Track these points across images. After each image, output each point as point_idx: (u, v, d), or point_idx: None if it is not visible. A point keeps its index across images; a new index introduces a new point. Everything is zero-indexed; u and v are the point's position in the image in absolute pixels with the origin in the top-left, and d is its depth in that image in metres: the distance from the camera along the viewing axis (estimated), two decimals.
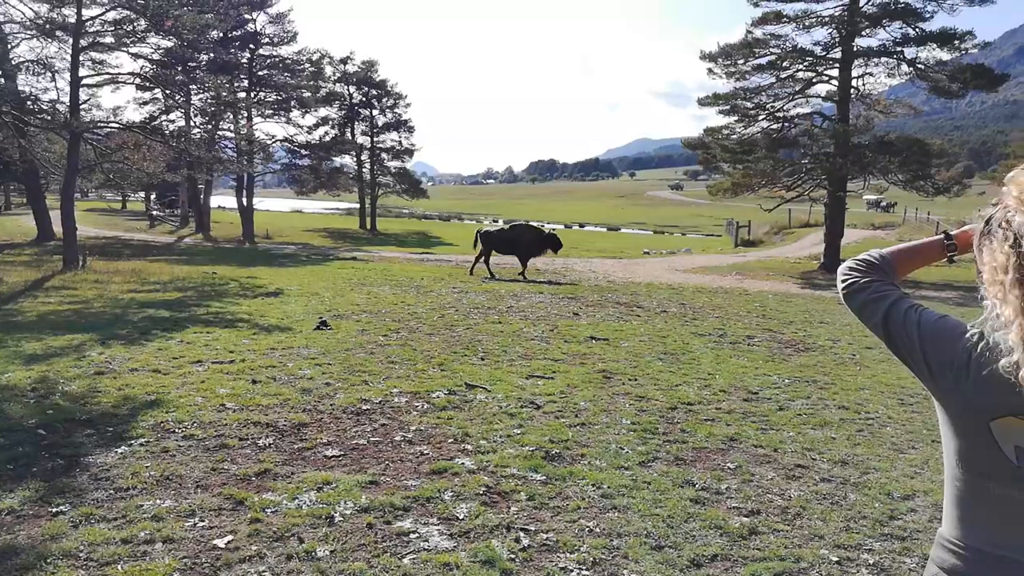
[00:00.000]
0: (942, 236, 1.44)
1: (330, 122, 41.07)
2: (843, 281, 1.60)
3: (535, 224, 21.82)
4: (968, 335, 1.37)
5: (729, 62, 24.01)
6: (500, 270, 17.82)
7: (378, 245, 31.93)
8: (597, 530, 3.81)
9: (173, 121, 30.92)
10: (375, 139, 43.79)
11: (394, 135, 44.21)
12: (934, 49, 22.31)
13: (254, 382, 6.48)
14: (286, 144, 34.94)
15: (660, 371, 7.56)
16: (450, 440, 5.16)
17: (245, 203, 32.27)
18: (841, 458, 5.09)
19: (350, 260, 20.95)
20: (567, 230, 60.02)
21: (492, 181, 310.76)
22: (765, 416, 6.06)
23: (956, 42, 21.70)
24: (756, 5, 23.56)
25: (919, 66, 22.40)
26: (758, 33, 23.48)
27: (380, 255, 24.12)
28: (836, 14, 22.70)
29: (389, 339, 8.70)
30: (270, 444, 4.97)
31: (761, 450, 5.20)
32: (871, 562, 3.60)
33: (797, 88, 24.26)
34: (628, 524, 3.88)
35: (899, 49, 22.48)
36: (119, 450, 4.74)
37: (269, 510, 3.91)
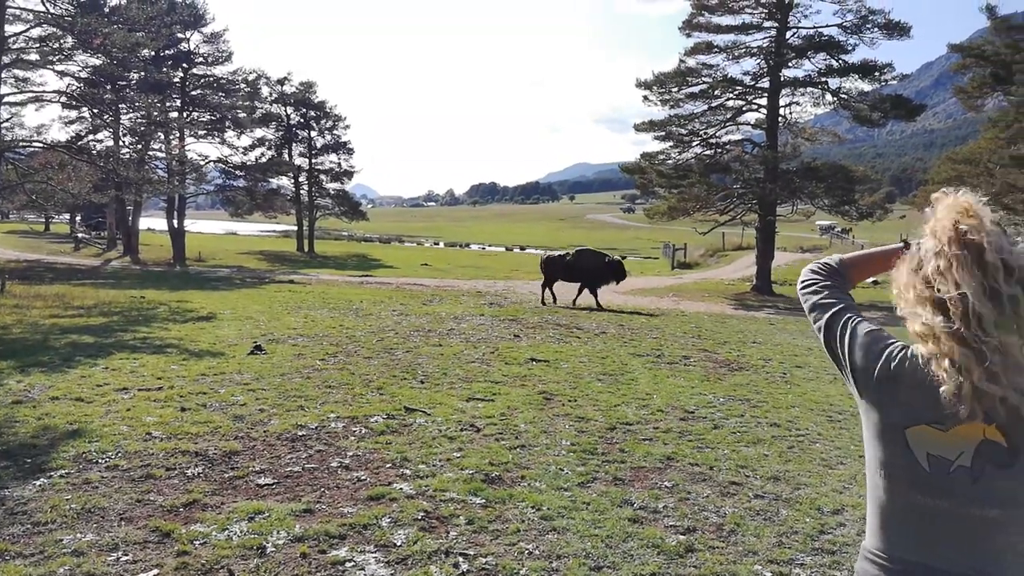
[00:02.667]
0: (901, 244, 1.50)
1: (266, 143, 40.45)
2: (802, 281, 1.69)
3: (600, 250, 20.42)
4: (892, 347, 1.43)
5: (664, 90, 24.70)
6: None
7: (316, 268, 31.42)
8: (536, 552, 3.79)
9: (101, 141, 29.93)
10: (313, 160, 43.31)
11: (333, 157, 43.85)
12: (856, 80, 23.47)
13: (183, 409, 6.25)
14: (220, 165, 34.20)
15: (599, 392, 7.62)
16: (388, 465, 5.07)
17: (176, 225, 31.37)
18: (773, 474, 5.21)
19: (287, 283, 20.54)
20: (508, 253, 60.31)
21: (433, 204, 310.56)
22: (701, 435, 6.16)
23: (876, 73, 22.87)
24: (688, 35, 24.38)
25: (842, 96, 23.50)
26: (691, 62, 24.28)
27: (318, 278, 23.73)
28: (764, 45, 23.67)
29: (326, 363, 8.54)
30: (199, 473, 4.79)
31: (697, 468, 5.28)
32: None
33: (728, 116, 25.10)
34: (567, 545, 3.87)
35: (823, 80, 23.56)
36: (38, 482, 4.49)
37: (197, 542, 3.76)
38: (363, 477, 4.83)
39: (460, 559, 3.68)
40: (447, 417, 6.31)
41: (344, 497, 4.48)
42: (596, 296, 17.03)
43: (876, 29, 22.51)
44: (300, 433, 5.73)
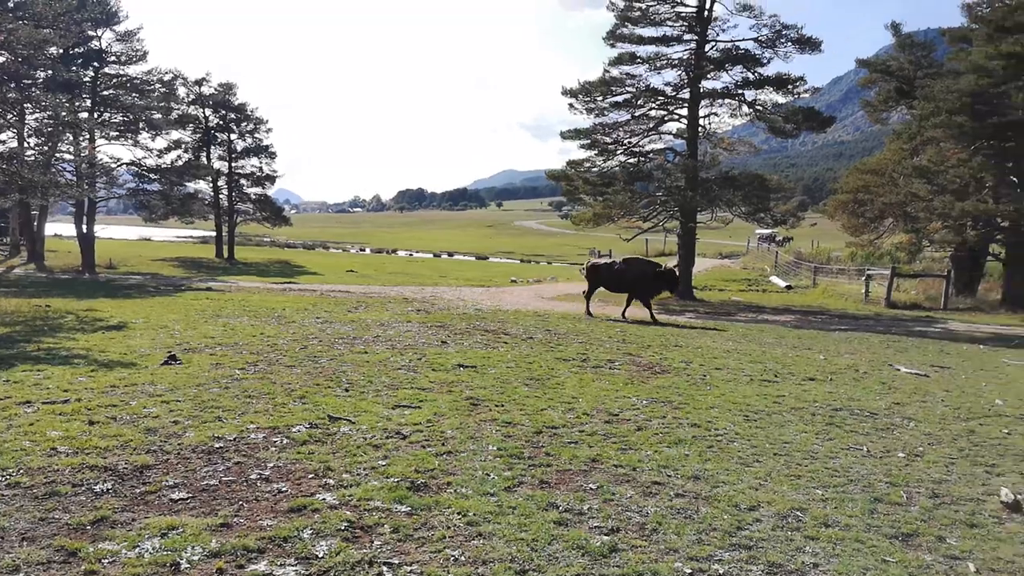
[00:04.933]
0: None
1: (183, 146, 39.01)
2: None
3: (650, 258, 19.91)
4: None
5: (589, 99, 25.11)
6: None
7: (236, 275, 30.52)
8: (462, 559, 3.77)
9: (3, 142, 28.26)
10: (233, 164, 42.05)
11: (254, 160, 42.66)
12: (771, 92, 24.42)
13: (91, 423, 5.95)
14: (133, 168, 32.78)
15: (526, 396, 7.66)
16: (310, 475, 4.96)
17: (86, 231, 29.89)
18: (694, 473, 5.34)
19: (204, 291, 19.86)
20: (436, 259, 60.05)
21: (360, 209, 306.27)
22: (625, 436, 6.27)
23: (790, 87, 23.86)
24: (613, 46, 24.86)
25: (758, 108, 24.40)
26: (615, 72, 24.76)
27: (238, 285, 23.04)
28: (684, 57, 24.36)
29: (246, 372, 8.29)
30: (108, 489, 4.57)
31: (621, 470, 5.37)
32: (721, 572, 3.79)
33: (651, 125, 25.71)
34: (493, 550, 3.87)
35: (740, 92, 24.41)
36: None
37: (106, 561, 3.59)
38: (284, 489, 4.71)
39: (384, 569, 3.63)
40: (372, 425, 6.22)
41: (263, 510, 4.36)
42: (649, 308, 16.61)
43: (789, 44, 23.48)
44: (217, 445, 5.54)
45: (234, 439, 5.70)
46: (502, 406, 7.17)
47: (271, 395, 7.20)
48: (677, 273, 16.85)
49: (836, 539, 4.26)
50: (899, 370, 10.77)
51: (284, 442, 5.68)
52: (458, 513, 4.35)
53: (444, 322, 13.90)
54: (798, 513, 4.65)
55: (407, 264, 46.30)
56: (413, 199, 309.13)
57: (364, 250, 72.54)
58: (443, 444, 5.77)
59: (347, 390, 7.60)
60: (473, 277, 33.64)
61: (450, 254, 69.63)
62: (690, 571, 3.77)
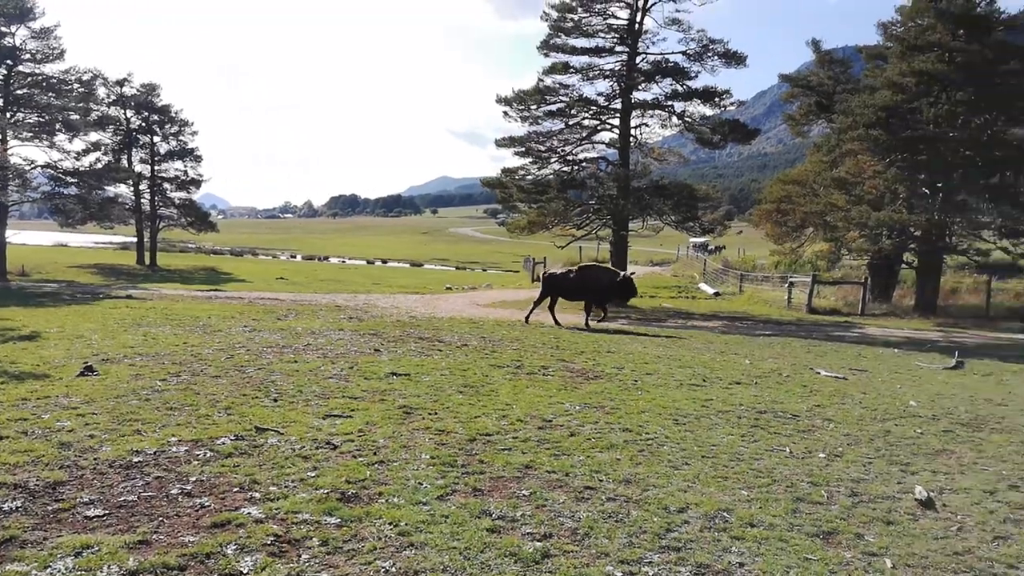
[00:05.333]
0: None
1: (103, 148, 37.41)
2: None
3: (607, 265, 19.88)
4: None
5: (523, 107, 25.30)
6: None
7: (158, 282, 29.44)
8: (393, 570, 3.72)
9: None
10: (156, 168, 40.62)
11: (178, 164, 41.31)
12: (699, 105, 25.12)
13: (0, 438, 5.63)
14: (49, 171, 31.26)
15: (460, 404, 7.62)
16: (236, 489, 4.80)
17: None
18: (625, 478, 5.41)
19: (124, 299, 19.08)
20: (370, 266, 59.29)
21: (291, 215, 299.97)
22: (558, 442, 6.31)
23: (717, 99, 24.60)
24: (546, 55, 25.15)
25: (687, 119, 25.06)
26: (548, 81, 25.03)
27: (160, 293, 22.22)
28: (616, 68, 24.83)
29: (168, 384, 7.98)
30: (17, 507, 4.32)
31: (554, 475, 5.39)
32: (651, 574, 3.84)
33: (584, 134, 26.07)
34: (425, 560, 3.83)
35: (670, 103, 25.02)
36: None
37: None
38: (207, 503, 4.54)
39: None
40: (302, 435, 6.08)
41: (185, 525, 4.19)
42: (605, 312, 16.73)
43: (716, 58, 24.22)
44: (136, 459, 5.31)
45: (154, 453, 5.48)
46: (436, 414, 7.11)
47: (194, 407, 6.95)
48: (634, 284, 17.11)
49: (761, 538, 4.38)
50: (819, 373, 11.18)
51: (208, 455, 5.49)
52: (390, 523, 4.29)
53: (377, 330, 13.73)
54: (725, 514, 4.76)
55: (340, 271, 45.55)
56: (346, 205, 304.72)
57: (295, 257, 71.05)
58: (375, 454, 5.68)
59: (276, 400, 7.41)
60: (407, 284, 33.36)
61: (384, 261, 68.88)
62: (621, 574, 3.81)
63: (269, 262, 57.13)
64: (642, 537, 4.30)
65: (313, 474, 5.12)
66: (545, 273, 17.33)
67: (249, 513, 4.38)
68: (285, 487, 4.85)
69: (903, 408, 8.67)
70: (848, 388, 10.00)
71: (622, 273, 17.59)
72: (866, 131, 23.86)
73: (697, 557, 4.06)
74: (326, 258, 70.28)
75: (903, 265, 26.71)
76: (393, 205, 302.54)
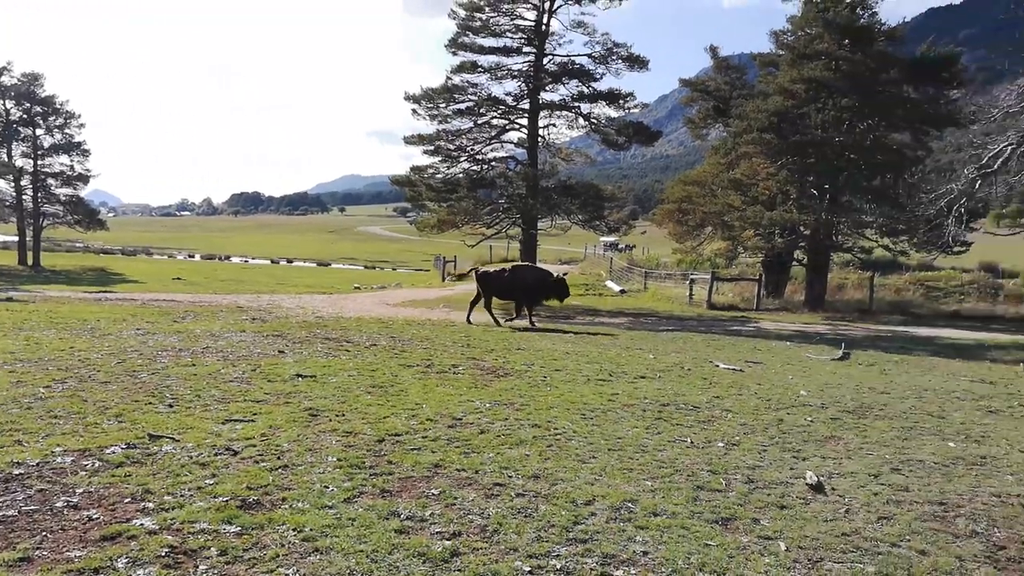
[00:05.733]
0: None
1: None
2: None
3: (541, 265, 19.93)
4: None
5: (432, 105, 25.17)
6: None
7: (43, 283, 27.57)
8: None
9: None
10: (39, 162, 38.07)
11: (64, 158, 38.89)
12: (604, 107, 25.70)
13: None
14: None
15: (368, 405, 7.49)
16: (127, 500, 4.55)
17: None
18: (534, 473, 5.46)
19: (4, 301, 17.75)
20: (274, 266, 57.55)
21: (188, 213, 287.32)
22: (468, 440, 6.30)
23: (621, 101, 25.23)
24: (455, 54, 25.12)
25: (593, 120, 25.59)
26: (457, 80, 25.00)
27: (44, 295, 20.82)
28: (524, 69, 25.06)
29: (52, 391, 7.48)
30: None
31: (464, 473, 5.38)
32: (559, 567, 3.89)
33: (493, 134, 26.20)
34: (331, 564, 3.74)
35: (576, 104, 25.48)
36: None
37: None
38: (96, 516, 4.28)
39: None
40: (199, 442, 5.82)
41: (72, 540, 3.94)
42: (531, 313, 16.86)
43: (620, 61, 24.84)
44: (16, 472, 4.95)
45: (37, 464, 5.12)
46: (343, 415, 6.97)
47: (81, 414, 6.54)
48: (567, 284, 17.34)
49: (664, 527, 4.51)
50: (718, 366, 11.64)
51: (96, 465, 5.18)
52: (293, 529, 4.17)
53: (282, 331, 13.33)
54: (630, 504, 4.88)
55: (242, 271, 43.99)
56: (249, 203, 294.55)
57: (193, 256, 68.15)
58: (278, 458, 5.51)
59: (171, 406, 7.06)
60: (314, 284, 32.57)
61: (289, 261, 67.01)
62: (529, 569, 3.84)
63: (165, 262, 54.54)
64: (550, 531, 4.35)
65: (211, 481, 4.92)
66: (479, 272, 17.37)
67: (142, 524, 4.16)
68: (181, 496, 4.64)
69: (795, 398, 9.13)
70: (745, 380, 10.44)
71: (555, 273, 17.89)
72: (760, 135, 25.04)
73: (603, 548, 4.15)
74: (227, 257, 67.75)
75: (794, 263, 28.18)
76: (299, 203, 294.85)
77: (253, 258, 67.92)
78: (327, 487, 4.90)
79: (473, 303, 17.39)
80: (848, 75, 24.46)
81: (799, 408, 8.50)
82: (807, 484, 5.53)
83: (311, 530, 4.16)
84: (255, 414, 6.84)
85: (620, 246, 57.32)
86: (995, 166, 14.91)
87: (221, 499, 4.58)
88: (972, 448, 6.97)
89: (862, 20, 25.19)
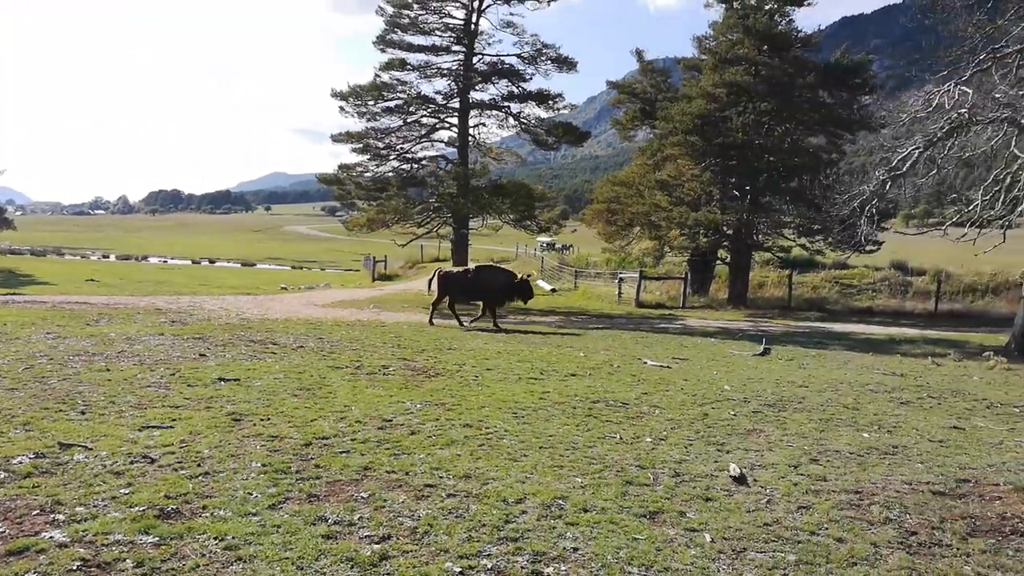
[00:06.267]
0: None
1: None
2: None
3: (503, 266, 20.10)
4: None
5: (360, 102, 24.80)
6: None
7: None
8: None
9: None
10: None
11: None
12: (534, 107, 25.87)
13: None
14: None
15: (295, 408, 7.31)
16: (35, 512, 4.30)
17: None
18: (465, 473, 5.44)
19: None
20: (196, 266, 55.65)
21: (102, 212, 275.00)
22: (398, 442, 6.22)
23: (551, 102, 25.44)
24: (383, 51, 24.82)
25: (523, 120, 25.72)
26: (385, 77, 24.72)
27: None
28: (454, 68, 24.98)
29: None
30: None
31: (394, 475, 5.31)
32: (489, 566, 3.88)
33: (423, 132, 26.02)
34: (255, 573, 3.63)
35: (506, 104, 25.57)
36: None
37: None
38: (1, 529, 4.04)
39: None
40: (114, 450, 5.56)
41: None
42: (495, 316, 16.93)
43: (549, 62, 25.04)
44: None
45: None
46: (268, 419, 6.78)
47: None
48: (531, 286, 17.58)
49: (594, 523, 4.56)
50: (646, 363, 11.87)
51: (1, 476, 4.88)
52: (215, 538, 4.02)
53: (203, 333, 12.88)
54: (560, 501, 4.91)
55: (161, 272, 42.35)
56: (167, 201, 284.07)
57: (108, 257, 65.22)
58: (199, 465, 5.31)
59: (83, 413, 6.72)
60: (238, 285, 31.62)
61: (212, 261, 64.90)
62: (460, 570, 3.82)
63: (77, 263, 51.98)
64: (481, 530, 4.34)
65: (127, 491, 4.70)
66: (441, 272, 17.29)
67: (52, 537, 3.94)
68: (94, 507, 4.42)
69: (719, 392, 9.39)
70: (672, 376, 10.68)
71: (519, 275, 18.01)
72: (684, 137, 25.69)
73: (534, 546, 4.16)
74: (145, 258, 65.13)
75: (718, 261, 29.02)
76: (222, 202, 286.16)
77: (173, 258, 65.48)
78: (251, 494, 4.75)
79: (435, 305, 17.25)
80: (767, 80, 25.36)
81: (723, 403, 8.74)
82: (731, 476, 5.69)
83: (234, 538, 4.02)
84: (174, 420, 6.58)
85: (558, 245, 57.66)
86: (903, 169, 15.70)
87: (137, 509, 4.39)
88: (885, 438, 7.31)
89: (780, 27, 26.16)
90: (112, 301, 18.56)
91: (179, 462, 5.36)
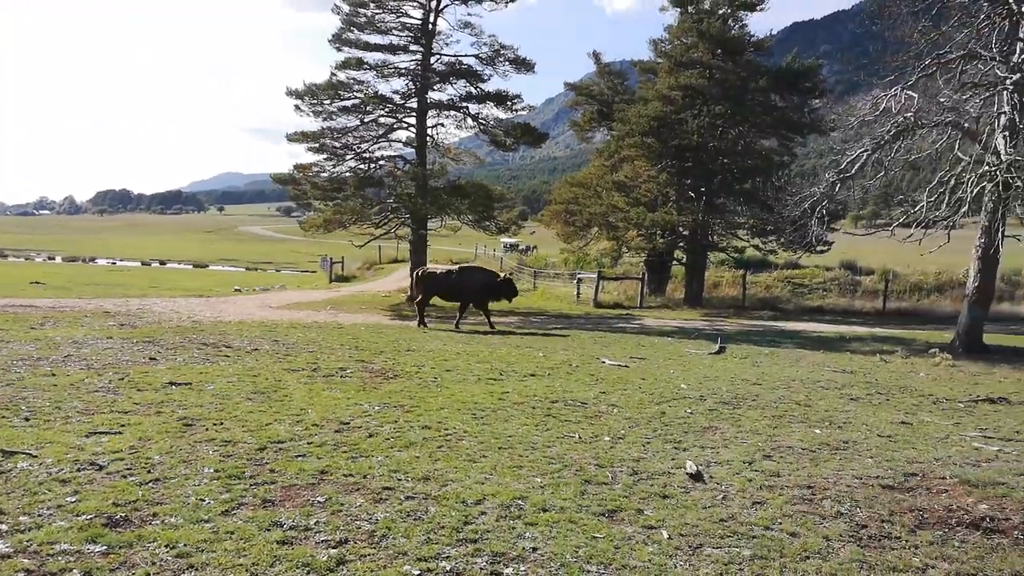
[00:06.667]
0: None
1: None
2: None
3: (486, 267, 20.17)
4: None
5: (316, 101, 24.43)
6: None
7: None
8: None
9: None
10: None
11: None
12: (492, 108, 25.79)
13: None
14: None
15: (249, 412, 7.18)
16: None
17: None
18: (424, 474, 5.40)
19: None
20: (146, 268, 54.32)
21: (48, 212, 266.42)
22: (356, 444, 6.15)
23: (509, 103, 25.41)
24: (339, 50, 24.50)
25: (481, 121, 25.65)
26: (342, 76, 24.40)
27: None
28: (411, 68, 24.79)
29: None
30: None
31: (351, 478, 5.25)
32: (448, 568, 3.86)
33: (381, 132, 25.74)
34: None
35: (465, 105, 25.45)
36: None
37: None
38: None
39: None
40: (60, 457, 5.39)
41: None
42: (488, 315, 16.98)
43: (507, 63, 25.01)
44: None
45: None
46: (221, 424, 6.64)
47: None
48: (514, 284, 17.64)
49: (553, 522, 4.57)
50: (604, 363, 11.96)
51: None
52: (166, 546, 3.92)
53: (153, 337, 12.57)
54: (520, 502, 4.91)
55: (109, 274, 41.18)
56: (116, 201, 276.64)
57: (54, 258, 63.24)
58: (149, 471, 5.17)
59: (27, 419, 6.50)
60: (191, 287, 30.92)
61: (163, 262, 63.42)
62: (418, 572, 3.79)
63: (21, 265, 50.28)
64: (440, 532, 4.31)
65: (74, 499, 4.56)
66: (423, 273, 17.32)
67: None
68: (39, 516, 4.27)
69: (676, 391, 9.51)
70: (629, 375, 10.78)
71: (502, 274, 18.22)
72: (641, 139, 25.97)
73: (493, 546, 4.15)
74: (93, 259, 63.31)
75: (674, 262, 29.39)
76: (173, 201, 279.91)
77: (122, 260, 63.77)
78: (203, 500, 4.65)
79: (420, 306, 17.32)
80: (721, 83, 25.80)
81: (680, 401, 8.85)
82: (687, 473, 5.76)
83: (185, 546, 3.93)
84: (123, 426, 6.40)
85: (522, 247, 57.58)
86: (852, 171, 16.10)
87: (85, 517, 4.26)
88: (836, 434, 7.49)
89: (733, 31, 26.63)
90: (58, 304, 17.98)
91: (128, 469, 5.22)
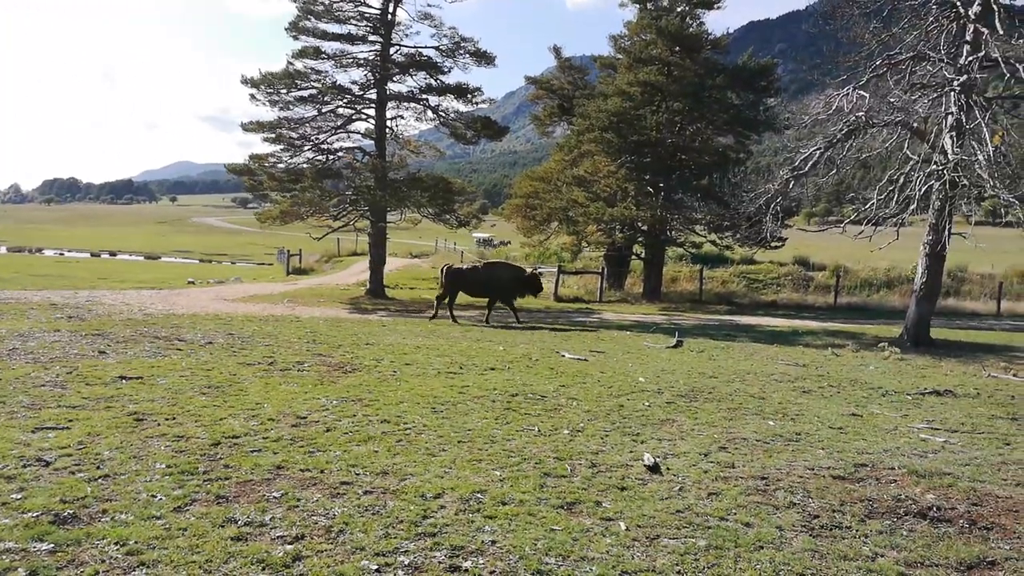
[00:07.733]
0: None
1: None
2: None
3: (513, 263, 20.14)
4: None
5: (272, 90, 23.98)
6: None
7: None
8: None
9: None
10: None
11: None
12: (453, 100, 25.62)
13: None
14: None
15: (203, 406, 7.04)
16: None
17: None
18: (382, 469, 5.37)
19: None
20: (95, 259, 52.82)
21: None
22: (313, 439, 6.08)
23: (469, 96, 25.28)
24: (296, 38, 24.09)
25: (441, 114, 25.49)
26: (299, 65, 23.98)
27: None
28: (370, 58, 24.51)
29: None
30: None
31: (308, 473, 5.19)
32: (407, 563, 3.84)
33: (339, 123, 25.40)
34: None
35: (425, 97, 25.25)
36: None
37: None
38: None
39: None
40: (5, 453, 5.21)
41: None
42: (515, 311, 17.00)
43: (467, 56, 24.87)
44: None
45: None
46: (174, 419, 6.50)
47: None
48: (539, 279, 17.69)
49: (512, 515, 4.58)
50: (564, 356, 12.02)
51: None
52: (116, 543, 3.83)
53: (103, 330, 12.23)
54: (479, 495, 4.91)
55: (57, 265, 39.93)
56: (64, 190, 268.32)
57: None
58: (98, 468, 5.04)
59: None
60: (143, 279, 30.14)
61: (113, 254, 61.74)
62: (376, 567, 3.76)
63: None
64: (398, 527, 4.29)
65: (19, 496, 4.41)
66: (448, 268, 17.33)
67: None
68: None
69: (634, 384, 9.61)
70: (589, 368, 10.86)
71: (528, 270, 18.22)
72: (601, 134, 26.11)
73: (451, 540, 4.14)
74: (39, 250, 61.33)
75: (633, 257, 29.67)
76: (123, 191, 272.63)
77: (71, 251, 61.89)
78: (154, 496, 4.55)
79: (441, 299, 17.43)
80: (679, 80, 26.08)
81: (638, 394, 8.95)
82: (645, 465, 5.83)
83: (136, 543, 3.84)
84: (71, 421, 6.22)
85: (495, 242, 57.21)
86: (806, 169, 16.45)
87: (31, 515, 4.13)
88: (789, 426, 7.65)
89: (691, 29, 26.93)
90: (3, 296, 17.37)
91: (76, 465, 5.07)
